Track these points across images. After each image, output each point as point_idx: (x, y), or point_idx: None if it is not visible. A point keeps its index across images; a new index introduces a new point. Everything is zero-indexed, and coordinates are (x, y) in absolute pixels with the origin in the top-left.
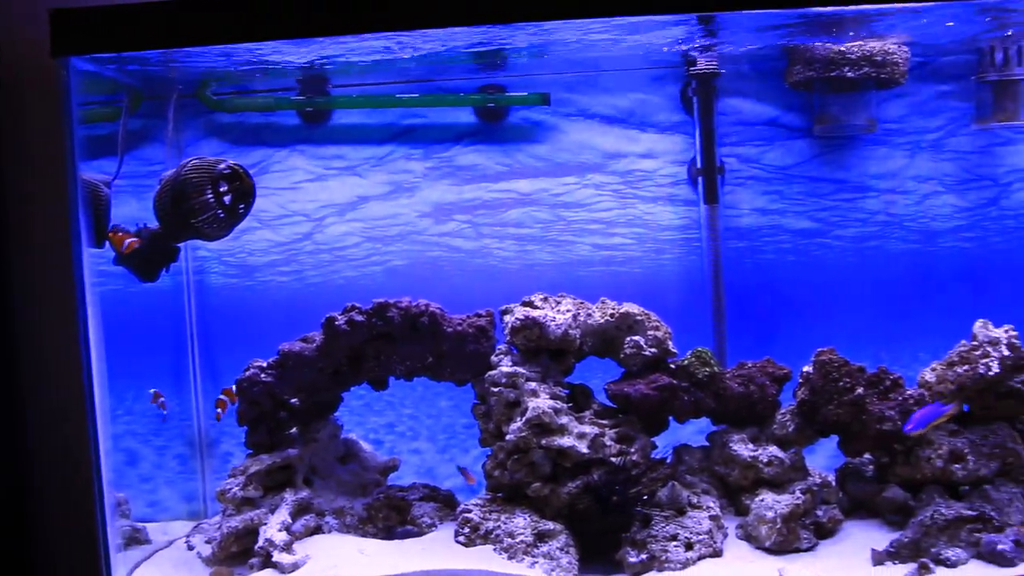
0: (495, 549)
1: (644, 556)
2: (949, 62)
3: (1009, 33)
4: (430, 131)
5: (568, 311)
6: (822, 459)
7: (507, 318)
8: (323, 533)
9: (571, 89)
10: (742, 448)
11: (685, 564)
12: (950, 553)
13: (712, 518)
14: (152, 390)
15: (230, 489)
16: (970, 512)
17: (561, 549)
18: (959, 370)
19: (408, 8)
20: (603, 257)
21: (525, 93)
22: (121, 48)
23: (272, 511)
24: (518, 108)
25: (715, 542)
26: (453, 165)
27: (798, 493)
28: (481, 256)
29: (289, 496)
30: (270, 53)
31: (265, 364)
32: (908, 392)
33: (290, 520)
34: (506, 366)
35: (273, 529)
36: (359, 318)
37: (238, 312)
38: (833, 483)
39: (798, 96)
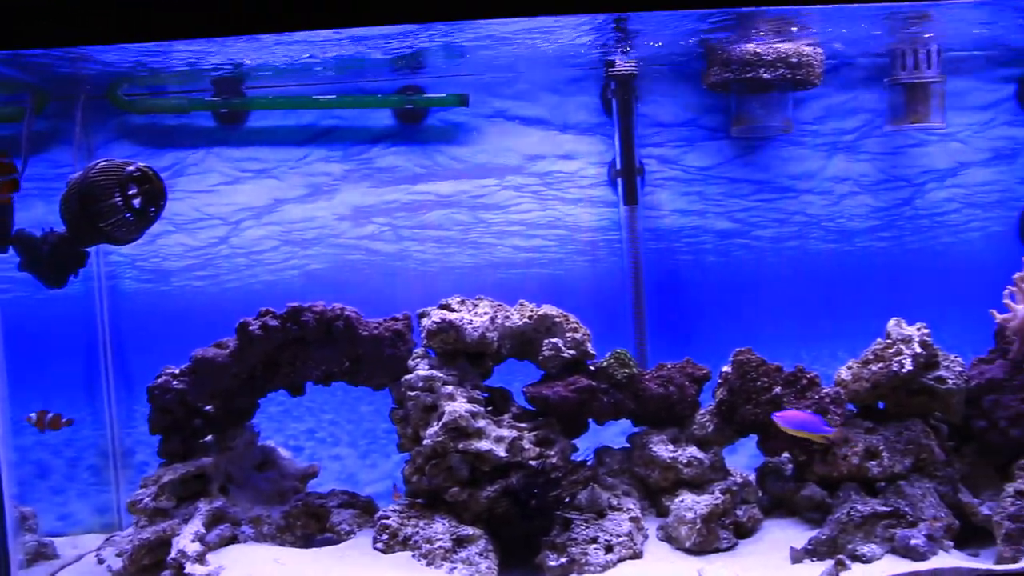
0: (413, 555)
1: (564, 560)
2: (863, 65)
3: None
4: (348, 133)
5: (485, 314)
6: (744, 459)
7: (424, 321)
8: (239, 543)
9: (490, 91)
10: (662, 449)
11: (605, 567)
12: (866, 549)
13: (632, 520)
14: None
15: (141, 499)
16: (885, 508)
17: (480, 554)
18: (874, 368)
19: (322, 7)
20: (524, 259)
21: (444, 95)
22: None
23: (186, 521)
24: (437, 110)
25: (635, 544)
26: (372, 167)
27: (717, 493)
28: (401, 259)
29: (203, 506)
30: (184, 53)
31: (177, 371)
32: (824, 390)
33: (204, 530)
34: (423, 370)
35: (186, 540)
36: (273, 323)
37: (153, 318)
38: (754, 482)
39: (716, 98)
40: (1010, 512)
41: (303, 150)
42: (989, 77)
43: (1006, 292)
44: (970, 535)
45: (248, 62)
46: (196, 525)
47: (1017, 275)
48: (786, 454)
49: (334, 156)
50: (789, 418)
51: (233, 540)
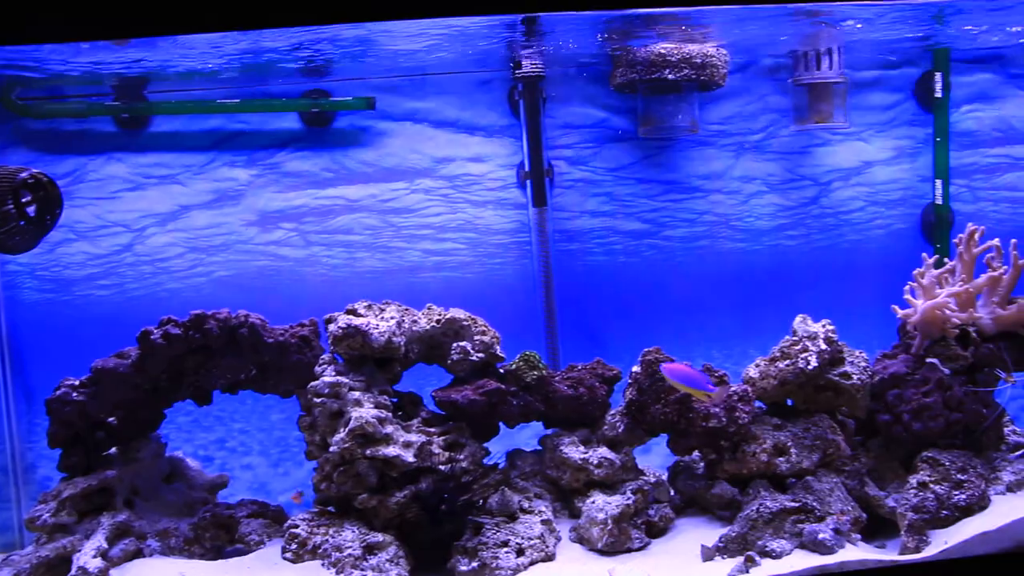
0: (323, 564)
1: (475, 564)
2: (768, 65)
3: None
4: (254, 137)
5: (392, 318)
6: (658, 458)
7: (330, 327)
8: (144, 557)
9: (398, 93)
10: (573, 451)
11: (516, 570)
12: (775, 545)
13: (544, 522)
14: None
15: (40, 516)
16: (793, 504)
17: (390, 561)
18: (780, 365)
19: (223, 9)
20: (434, 263)
21: (350, 98)
22: None
23: (87, 537)
24: (345, 113)
25: (547, 546)
26: (279, 172)
27: (629, 493)
28: (310, 264)
29: (106, 520)
30: (81, 56)
31: (77, 382)
32: (733, 388)
33: (106, 545)
34: (329, 376)
35: (87, 556)
36: (175, 331)
37: (55, 329)
38: (666, 482)
39: (624, 99)
40: (913, 504)
41: (208, 155)
42: (890, 77)
43: (907, 288)
44: (877, 527)
45: (149, 65)
46: (98, 540)
47: (917, 271)
48: (696, 453)
49: (240, 161)
50: (676, 371)
51: (138, 554)
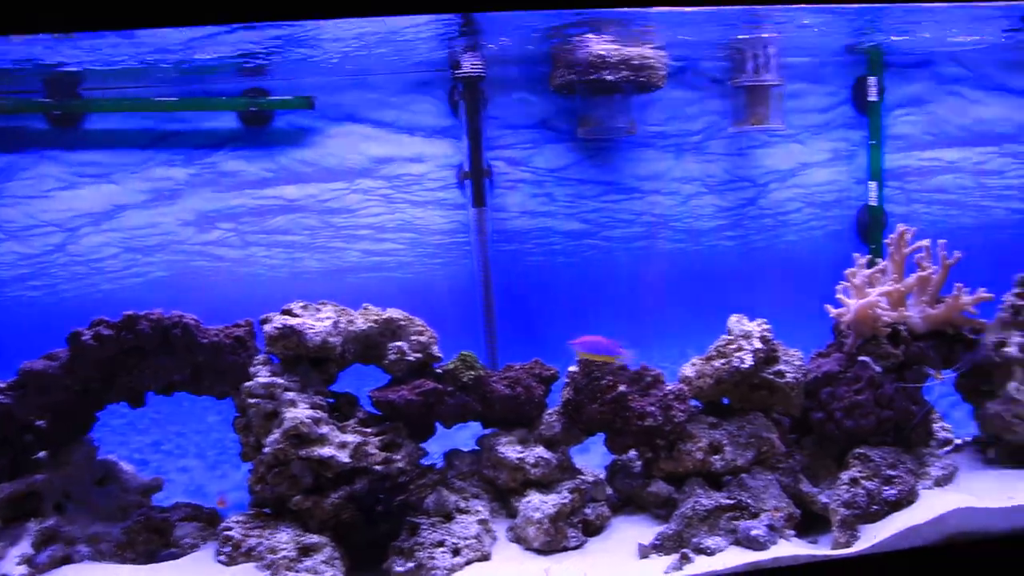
0: (257, 566)
1: (411, 564)
2: (707, 68)
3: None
4: (191, 136)
5: (328, 318)
6: (597, 457)
7: (266, 327)
8: (73, 563)
9: (338, 93)
10: (509, 451)
11: (452, 570)
12: (710, 542)
13: (481, 522)
14: None
15: None
16: (728, 501)
17: (326, 562)
18: (716, 364)
19: (160, 6)
20: (374, 263)
21: (290, 97)
22: None
23: (13, 543)
24: (284, 113)
25: (483, 546)
26: (216, 171)
27: (565, 493)
28: (248, 265)
29: (33, 526)
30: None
31: (3, 384)
32: (668, 387)
33: (33, 551)
34: (263, 376)
35: (11, 564)
36: (107, 332)
37: None
38: (604, 480)
39: (563, 100)
40: (844, 499)
41: (144, 154)
42: (827, 81)
43: (840, 288)
44: (811, 523)
45: (82, 62)
46: (23, 547)
47: (849, 271)
48: (634, 451)
49: (177, 160)
50: (582, 342)
51: (67, 560)
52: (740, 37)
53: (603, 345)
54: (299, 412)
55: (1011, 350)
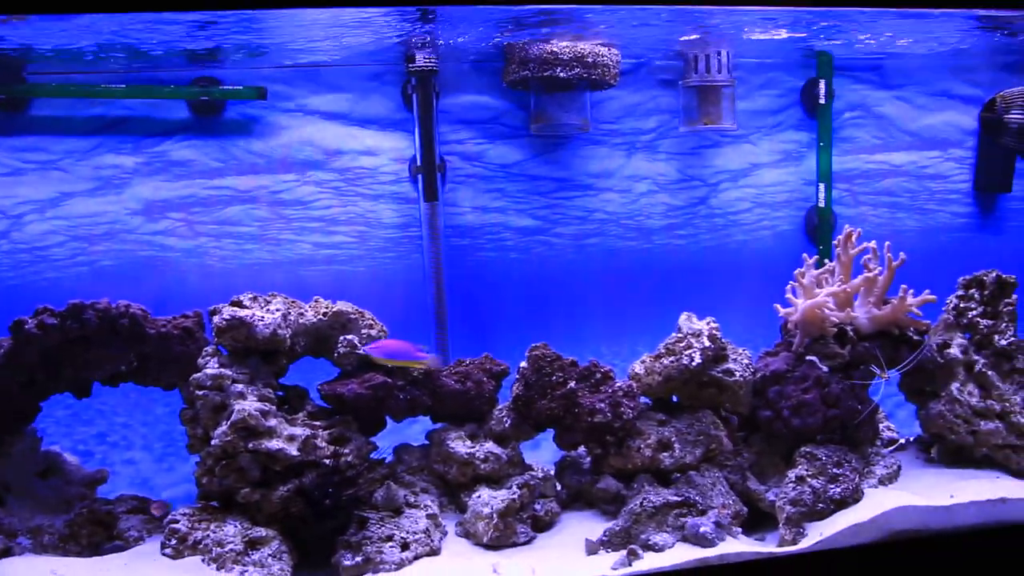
0: (203, 559)
1: (359, 559)
2: (659, 67)
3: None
4: (140, 124)
5: (278, 310)
6: (547, 453)
7: (215, 319)
8: (14, 555)
9: (291, 84)
10: (459, 445)
11: (400, 564)
12: (658, 538)
13: (430, 517)
14: None
15: None
16: (676, 498)
17: (273, 556)
18: (665, 362)
19: None
20: (325, 256)
21: (241, 87)
22: None
23: None
24: (235, 103)
25: (432, 540)
26: (166, 160)
27: (515, 488)
28: (197, 256)
29: None
30: None
31: None
32: (618, 384)
33: None
34: (212, 368)
35: None
36: (51, 321)
37: None
38: (554, 476)
39: (517, 95)
40: (791, 497)
41: (91, 141)
42: (778, 83)
43: (788, 287)
44: (759, 520)
45: (28, 45)
46: None
47: (798, 271)
48: (583, 448)
49: (125, 148)
50: (381, 347)
51: (7, 553)
52: (692, 37)
53: (402, 350)
54: (248, 404)
55: (953, 351)
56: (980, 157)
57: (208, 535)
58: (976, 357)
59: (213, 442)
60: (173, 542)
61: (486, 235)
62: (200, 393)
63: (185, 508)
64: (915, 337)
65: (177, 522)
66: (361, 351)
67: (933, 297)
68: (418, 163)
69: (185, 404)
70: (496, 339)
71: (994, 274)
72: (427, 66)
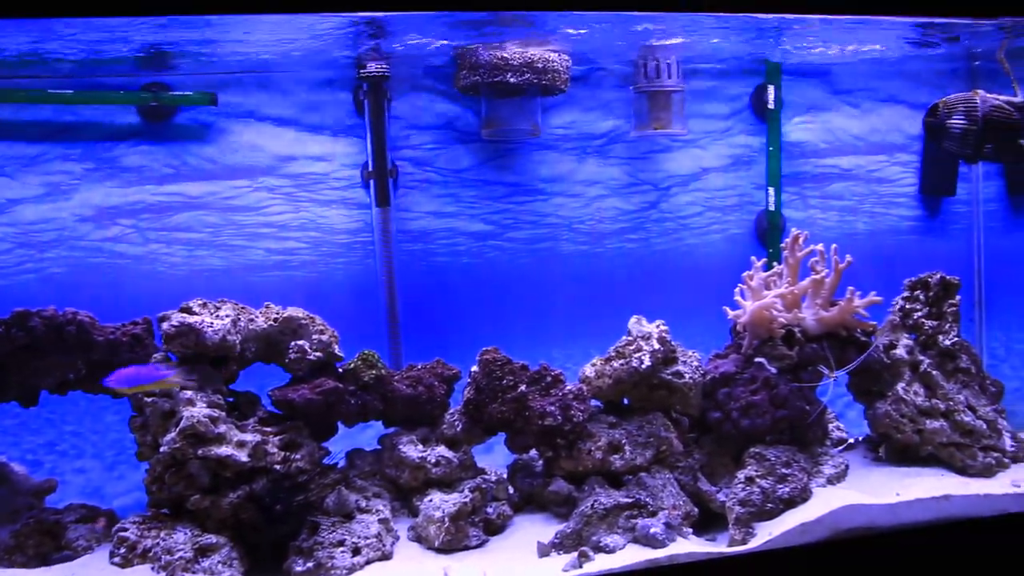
0: (152, 568)
1: (310, 564)
2: (610, 72)
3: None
4: (89, 130)
5: (228, 316)
6: (501, 457)
7: (164, 325)
8: None
9: (242, 90)
10: (411, 450)
11: (351, 569)
12: (609, 540)
13: (382, 521)
14: None
15: None
16: (627, 499)
17: (223, 563)
18: (615, 365)
19: None
20: (277, 262)
21: (192, 93)
22: None
23: None
24: (186, 108)
25: (384, 545)
26: (116, 166)
27: (467, 492)
28: (148, 262)
29: None
30: None
31: None
32: (568, 387)
33: None
34: None
35: None
36: None
37: None
38: (506, 480)
39: (468, 100)
40: (740, 497)
41: (39, 147)
42: (728, 88)
43: (737, 290)
44: (710, 521)
45: None
46: None
47: (746, 274)
48: (535, 451)
49: (73, 154)
50: (121, 377)
51: None
52: (642, 43)
53: (144, 374)
54: (196, 411)
55: (899, 352)
56: (925, 161)
57: (158, 543)
58: (921, 357)
59: (162, 449)
60: (122, 551)
61: (439, 240)
62: (149, 400)
63: (135, 516)
64: (862, 338)
65: (126, 530)
66: (103, 383)
67: (879, 299)
68: (370, 168)
69: (134, 411)
70: (449, 344)
71: (938, 276)
72: (378, 72)
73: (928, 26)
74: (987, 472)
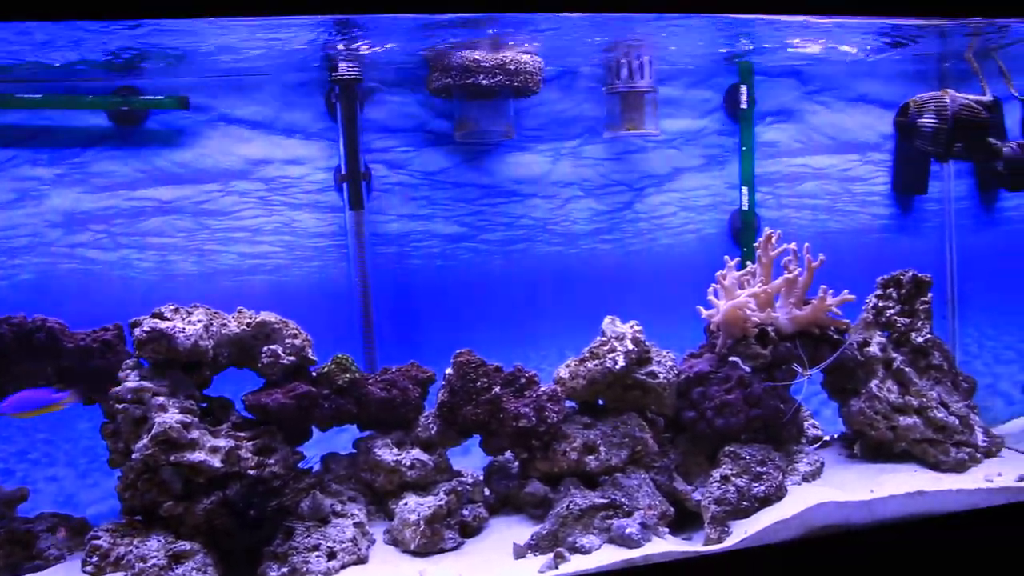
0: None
1: (285, 569)
2: (584, 74)
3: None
4: (59, 135)
5: (200, 321)
6: (477, 459)
7: (135, 331)
8: None
9: (213, 93)
10: (386, 453)
11: (327, 573)
12: (584, 540)
13: (356, 525)
14: None
15: None
16: (602, 500)
17: (197, 569)
18: (589, 365)
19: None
20: (250, 266)
21: (163, 97)
22: None
23: None
24: (157, 112)
25: (360, 549)
26: (86, 172)
27: (442, 494)
28: (120, 268)
29: None
30: None
31: None
32: (542, 389)
33: None
34: (132, 381)
35: None
36: None
37: None
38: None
39: (441, 103)
40: (715, 496)
41: (8, 152)
42: (701, 89)
43: (711, 289)
44: (687, 520)
45: None
46: None
47: (719, 273)
48: (511, 453)
49: (42, 159)
50: (13, 402)
51: None
52: (615, 44)
53: (36, 398)
54: (168, 417)
55: (873, 349)
56: (897, 160)
57: (131, 550)
58: (894, 354)
59: (134, 456)
60: (94, 559)
61: (412, 243)
62: (120, 407)
63: (108, 524)
64: (836, 336)
65: (99, 538)
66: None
67: (852, 297)
68: (343, 172)
69: (106, 418)
70: (424, 346)
71: (911, 273)
72: (350, 75)
73: (898, 27)
74: (960, 467)
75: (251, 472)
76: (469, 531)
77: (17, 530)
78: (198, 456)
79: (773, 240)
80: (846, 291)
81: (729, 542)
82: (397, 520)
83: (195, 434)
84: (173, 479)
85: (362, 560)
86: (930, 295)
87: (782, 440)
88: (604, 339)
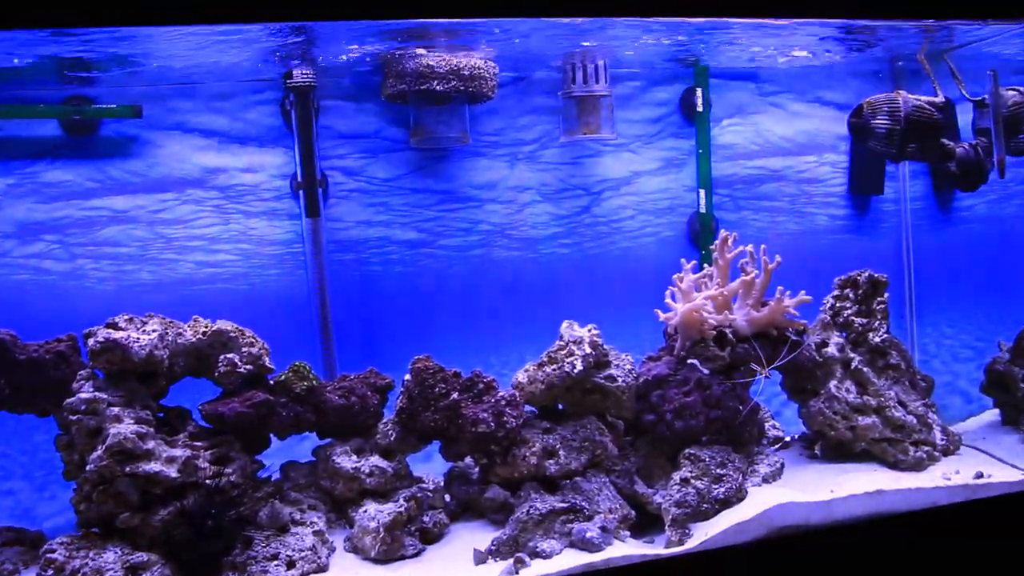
0: None
1: None
2: (539, 79)
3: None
4: (9, 145)
5: (155, 331)
6: (439, 465)
7: (89, 341)
8: None
9: (167, 102)
10: (345, 460)
11: None
12: (545, 545)
13: (316, 533)
14: None
15: None
16: (562, 504)
17: None
18: (548, 370)
19: None
20: (207, 275)
21: (115, 105)
22: None
23: None
24: (110, 121)
25: (319, 557)
26: (38, 182)
27: (402, 501)
28: (75, 278)
29: None
30: None
31: None
32: (500, 394)
33: None
34: (86, 392)
35: None
36: None
37: None
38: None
39: (397, 109)
40: (676, 499)
41: None
42: (656, 92)
43: (668, 292)
44: (648, 523)
45: None
46: None
47: (676, 276)
48: (469, 458)
49: None
50: None
51: None
52: (570, 49)
53: None
54: (123, 427)
55: (831, 350)
56: (853, 161)
57: (87, 563)
58: (852, 355)
59: (89, 467)
60: (49, 572)
61: (371, 249)
62: (74, 418)
63: (64, 537)
64: (794, 337)
65: (54, 551)
66: None
67: (808, 298)
68: (299, 179)
69: (61, 430)
70: (384, 353)
71: (867, 274)
72: (305, 82)
73: (851, 29)
74: (918, 466)
75: (208, 482)
76: (430, 537)
77: None
78: (154, 466)
79: (730, 242)
80: (803, 292)
81: (690, 544)
82: (357, 527)
83: (151, 444)
84: (129, 490)
85: (322, 568)
86: (887, 295)
87: (743, 441)
88: (562, 343)
